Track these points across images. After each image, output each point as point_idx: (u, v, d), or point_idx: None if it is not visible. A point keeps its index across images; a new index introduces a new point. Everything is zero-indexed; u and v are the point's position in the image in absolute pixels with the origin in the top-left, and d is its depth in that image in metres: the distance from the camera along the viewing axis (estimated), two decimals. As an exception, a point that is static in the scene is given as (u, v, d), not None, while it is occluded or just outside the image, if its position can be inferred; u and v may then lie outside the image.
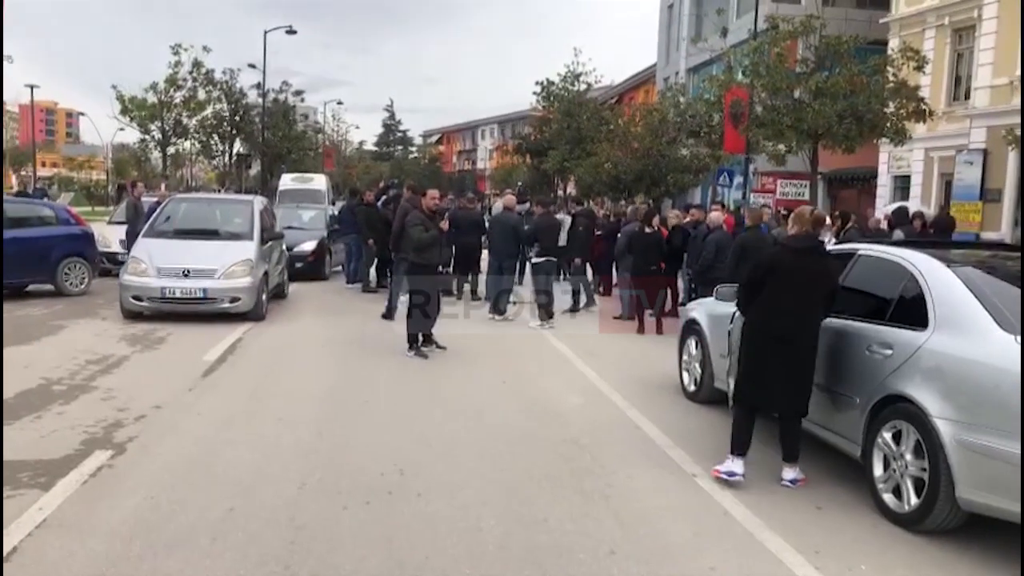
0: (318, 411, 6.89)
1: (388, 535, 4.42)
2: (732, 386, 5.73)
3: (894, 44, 23.02)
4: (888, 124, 18.70)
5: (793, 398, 5.31)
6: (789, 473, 5.38)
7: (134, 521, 4.49)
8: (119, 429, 6.12)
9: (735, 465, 5.31)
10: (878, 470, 4.92)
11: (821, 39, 19.35)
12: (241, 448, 5.82)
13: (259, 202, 13.07)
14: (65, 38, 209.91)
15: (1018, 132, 14.60)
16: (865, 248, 5.90)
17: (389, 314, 11.69)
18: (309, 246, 16.46)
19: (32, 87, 50.66)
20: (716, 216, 11.56)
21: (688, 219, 12.93)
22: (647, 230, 11.75)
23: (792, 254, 5.38)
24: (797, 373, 5.27)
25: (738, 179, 24.45)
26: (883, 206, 23.53)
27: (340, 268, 17.38)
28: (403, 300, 10.40)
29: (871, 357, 5.05)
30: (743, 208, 15.39)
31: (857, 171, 27.03)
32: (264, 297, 11.46)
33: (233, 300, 10.83)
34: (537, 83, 39.30)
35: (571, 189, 42.22)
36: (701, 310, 7.75)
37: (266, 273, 11.63)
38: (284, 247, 13.92)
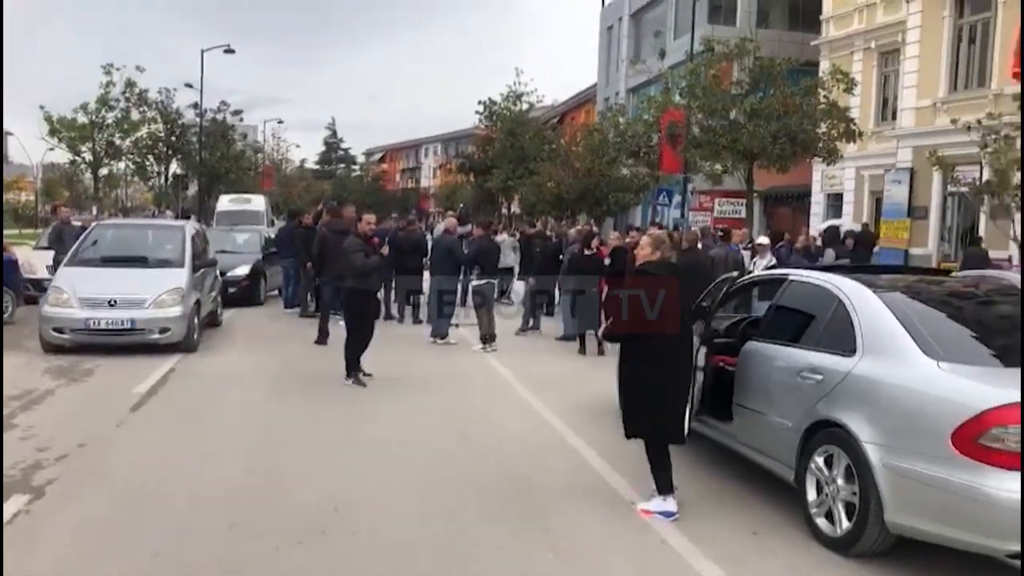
0: (251, 445, 6.71)
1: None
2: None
3: (824, 66, 23.70)
4: (820, 144, 19.24)
5: (679, 427, 5.34)
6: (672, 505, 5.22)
7: (52, 572, 4.29)
8: (39, 471, 5.86)
9: (669, 504, 5.20)
10: (811, 494, 4.98)
11: (755, 61, 19.86)
12: (170, 487, 5.63)
13: (191, 227, 12.61)
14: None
15: (941, 153, 15.12)
16: (795, 274, 6.01)
17: (322, 339, 11.58)
18: (243, 270, 15.83)
19: (-44, 106, 48.86)
20: (653, 238, 11.68)
21: (628, 240, 13.01)
22: (587, 252, 11.83)
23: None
24: (681, 401, 5.32)
25: (677, 198, 24.85)
26: (818, 223, 24.18)
27: (277, 292, 17.01)
28: (341, 325, 10.26)
29: (802, 382, 5.12)
30: (680, 228, 15.61)
31: (792, 189, 27.75)
32: (196, 327, 11.04)
33: (163, 331, 10.35)
34: (480, 102, 39.52)
35: (515, 208, 42.46)
36: (639, 334, 7.79)
37: (198, 302, 11.20)
38: (218, 273, 13.46)
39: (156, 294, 10.45)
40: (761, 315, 6.42)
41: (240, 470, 6.02)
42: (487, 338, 11.66)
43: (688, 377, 5.39)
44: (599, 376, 9.38)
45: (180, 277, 10.89)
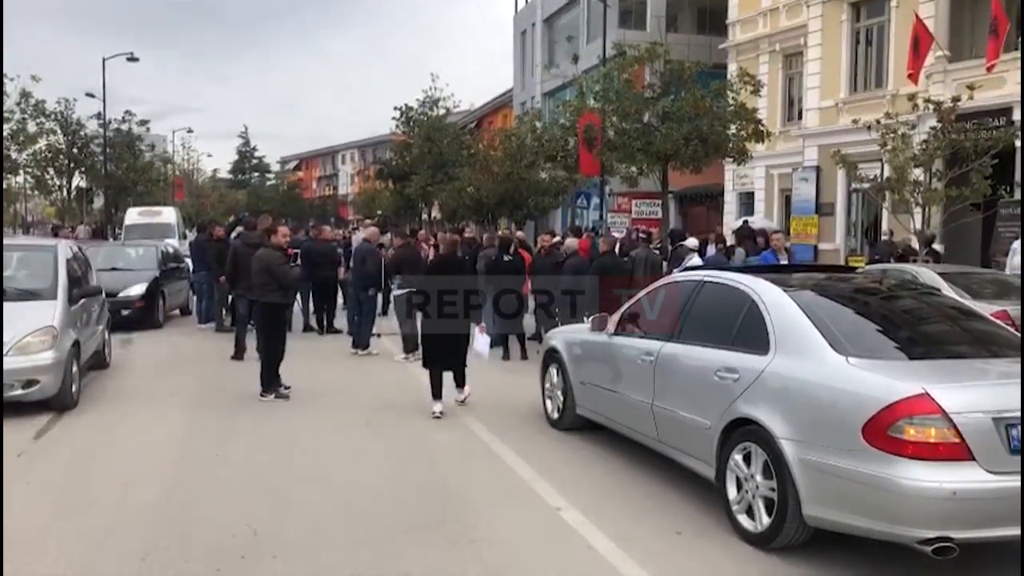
0: (166, 470, 6.44)
1: (240, 606, 4.15)
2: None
3: (732, 69, 24.37)
4: (731, 145, 19.74)
5: (456, 361, 8.41)
6: (461, 395, 8.49)
7: (-55, 619, 4.02)
8: (-69, 509, 5.49)
9: (436, 405, 8.17)
10: (732, 492, 5.07)
11: (666, 65, 20.25)
12: (78, 518, 5.35)
13: (65, 248, 9.91)
14: None
15: (844, 151, 15.71)
16: (711, 275, 6.12)
17: (239, 355, 11.29)
18: (137, 290, 14.18)
19: None
20: (571, 242, 11.78)
21: (541, 245, 12.98)
22: (506, 258, 11.78)
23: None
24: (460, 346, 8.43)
25: (595, 200, 25.15)
26: (732, 221, 24.83)
27: (178, 312, 16.20)
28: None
29: (720, 382, 5.21)
30: (599, 230, 15.80)
31: (705, 189, 28.45)
32: (75, 376, 8.68)
33: (28, 384, 7.92)
34: (396, 108, 39.20)
35: (436, 213, 42.26)
36: (560, 338, 7.83)
37: (77, 343, 8.78)
38: (104, 302, 10.93)
39: (18, 336, 7.99)
40: None
41: (154, 496, 5.77)
42: (411, 347, 11.52)
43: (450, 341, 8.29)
44: (523, 381, 9.39)
45: (51, 312, 8.43)
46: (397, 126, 40.18)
